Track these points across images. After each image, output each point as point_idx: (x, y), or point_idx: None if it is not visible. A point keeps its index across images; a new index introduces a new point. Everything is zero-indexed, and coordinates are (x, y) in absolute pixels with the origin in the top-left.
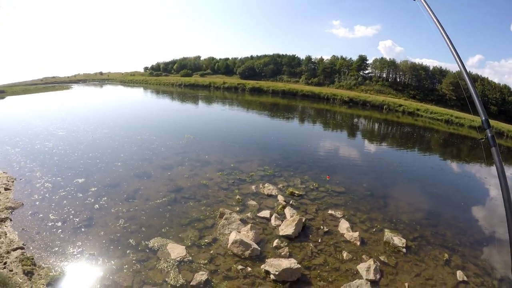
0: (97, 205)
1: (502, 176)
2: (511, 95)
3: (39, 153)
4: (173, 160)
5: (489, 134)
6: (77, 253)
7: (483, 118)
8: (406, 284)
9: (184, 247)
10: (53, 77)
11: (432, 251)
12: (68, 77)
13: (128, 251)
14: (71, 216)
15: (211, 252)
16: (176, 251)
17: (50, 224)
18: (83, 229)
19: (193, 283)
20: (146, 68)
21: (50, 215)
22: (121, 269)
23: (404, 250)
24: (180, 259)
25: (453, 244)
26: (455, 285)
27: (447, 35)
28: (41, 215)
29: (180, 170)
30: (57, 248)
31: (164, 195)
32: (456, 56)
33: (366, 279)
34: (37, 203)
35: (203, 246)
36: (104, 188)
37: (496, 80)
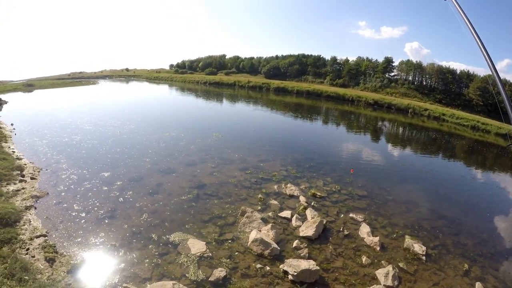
0: (121, 198)
1: None
2: None
3: (66, 145)
4: (197, 157)
5: None
6: (99, 244)
7: None
8: None
9: (204, 243)
10: (80, 72)
11: (452, 261)
12: (95, 72)
13: (149, 244)
14: (95, 208)
15: (231, 249)
16: (196, 246)
17: (73, 214)
18: (106, 221)
19: (211, 279)
20: (171, 66)
21: (74, 205)
22: (141, 261)
23: (424, 258)
24: (200, 254)
25: (474, 255)
26: None
27: (478, 37)
28: (65, 205)
29: (204, 167)
30: (79, 238)
31: (187, 191)
32: (487, 58)
33: (384, 285)
34: (62, 193)
35: (223, 243)
36: (130, 182)
37: None
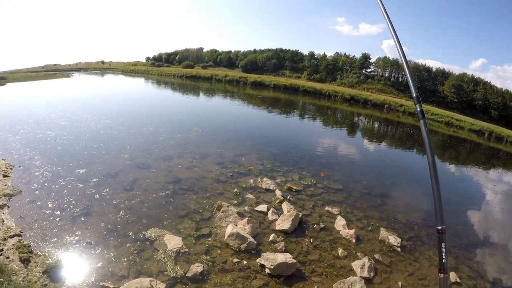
0: (97, 195)
1: (428, 147)
2: None
3: (40, 141)
4: (175, 152)
5: (418, 109)
6: (74, 242)
7: (414, 95)
8: (399, 283)
9: (180, 238)
10: (55, 64)
11: (427, 251)
12: (69, 65)
13: (125, 241)
14: (71, 205)
15: (208, 244)
16: (173, 242)
17: (48, 212)
18: (82, 218)
19: (188, 274)
20: (148, 58)
21: (48, 204)
22: (118, 258)
23: (399, 249)
24: (177, 250)
25: (449, 246)
26: (448, 286)
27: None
28: (39, 203)
29: (181, 162)
30: (54, 237)
31: (164, 186)
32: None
33: (360, 277)
34: (36, 191)
35: (200, 238)
36: (106, 179)
37: (498, 85)
